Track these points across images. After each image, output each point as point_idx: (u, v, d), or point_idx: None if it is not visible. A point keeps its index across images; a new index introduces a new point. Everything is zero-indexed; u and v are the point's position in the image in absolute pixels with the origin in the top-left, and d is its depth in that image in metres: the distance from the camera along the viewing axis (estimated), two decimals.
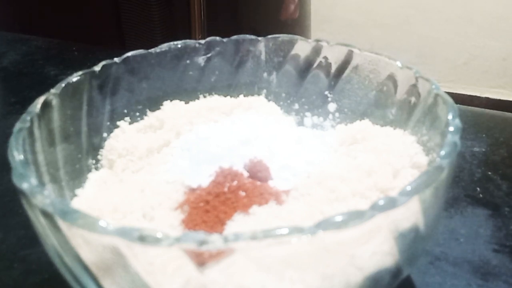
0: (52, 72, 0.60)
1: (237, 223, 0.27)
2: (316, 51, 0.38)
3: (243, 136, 0.34)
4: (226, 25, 1.03)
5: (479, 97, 1.57)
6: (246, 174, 0.31)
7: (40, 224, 0.23)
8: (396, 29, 1.63)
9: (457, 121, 0.28)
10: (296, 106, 0.40)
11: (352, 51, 0.37)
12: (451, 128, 0.27)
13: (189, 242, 0.20)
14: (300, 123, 0.40)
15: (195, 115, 0.37)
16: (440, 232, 0.36)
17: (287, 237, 0.20)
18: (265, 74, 0.40)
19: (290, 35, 0.39)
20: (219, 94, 0.40)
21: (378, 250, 0.23)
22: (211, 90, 0.40)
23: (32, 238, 0.25)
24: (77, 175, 0.33)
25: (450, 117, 0.28)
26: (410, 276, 0.32)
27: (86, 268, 0.22)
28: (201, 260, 0.21)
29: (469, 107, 0.52)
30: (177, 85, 0.39)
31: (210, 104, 0.38)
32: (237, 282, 0.21)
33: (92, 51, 0.65)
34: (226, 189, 0.29)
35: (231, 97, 0.40)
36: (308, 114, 0.40)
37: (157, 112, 0.37)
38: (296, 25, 1.17)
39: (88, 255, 0.22)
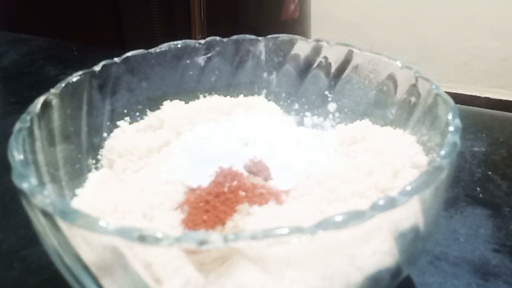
0: (52, 72, 0.60)
1: (237, 223, 0.27)
2: (316, 51, 0.38)
3: (243, 136, 0.34)
4: (226, 25, 1.03)
5: (479, 97, 1.57)
6: (246, 174, 0.31)
7: (40, 224, 0.23)
8: (396, 29, 1.63)
9: (457, 121, 0.28)
10: (296, 106, 0.40)
11: (352, 51, 0.37)
12: (451, 128, 0.27)
13: (189, 242, 0.20)
14: (300, 123, 0.40)
15: (195, 115, 0.37)
16: (440, 232, 0.36)
17: (287, 237, 0.20)
18: (265, 74, 0.40)
19: (290, 35, 0.39)
20: (219, 94, 0.40)
21: (378, 250, 0.23)
22: (211, 90, 0.40)
23: (32, 238, 0.25)
24: (77, 175, 0.33)
25: (450, 117, 0.28)
26: (410, 276, 0.32)
27: (86, 268, 0.22)
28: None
29: (469, 107, 0.52)
30: (177, 85, 0.39)
31: (210, 104, 0.38)
32: (237, 282, 0.21)
33: (92, 51, 0.65)
34: (226, 189, 0.29)
35: (231, 97, 0.40)
36: (308, 114, 0.40)
37: (157, 112, 0.37)
38: (296, 25, 1.17)
39: (88, 255, 0.22)
